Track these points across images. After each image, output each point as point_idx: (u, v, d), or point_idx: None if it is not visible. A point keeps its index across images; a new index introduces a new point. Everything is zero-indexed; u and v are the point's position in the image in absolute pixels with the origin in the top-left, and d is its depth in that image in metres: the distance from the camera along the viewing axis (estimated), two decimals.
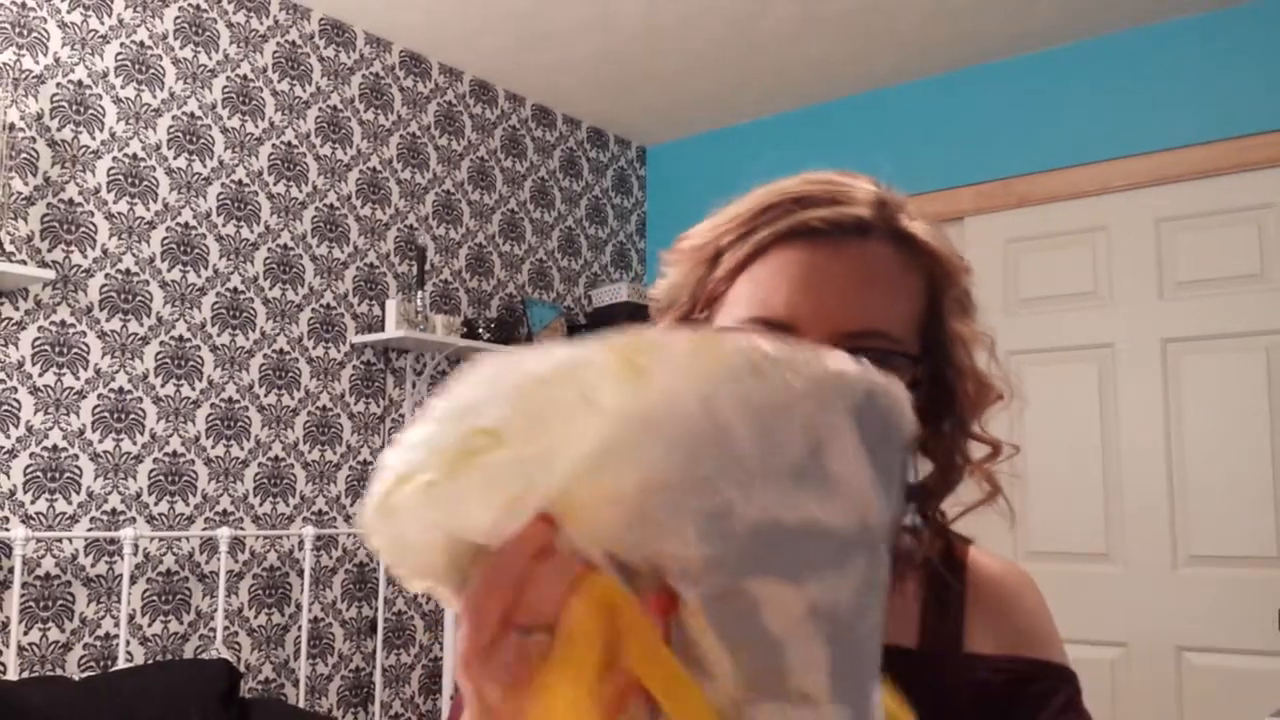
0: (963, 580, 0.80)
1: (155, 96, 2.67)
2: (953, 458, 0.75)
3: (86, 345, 2.50)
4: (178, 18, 2.72)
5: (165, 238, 2.66)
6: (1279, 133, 2.79)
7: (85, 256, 2.51)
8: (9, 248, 2.34)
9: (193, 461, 2.66)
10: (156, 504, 2.59)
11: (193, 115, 2.74)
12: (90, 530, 2.46)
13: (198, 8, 2.76)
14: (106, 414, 2.52)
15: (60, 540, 2.42)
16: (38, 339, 2.42)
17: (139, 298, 2.60)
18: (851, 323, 0.69)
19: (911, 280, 0.72)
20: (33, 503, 2.38)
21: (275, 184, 2.90)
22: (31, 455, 2.39)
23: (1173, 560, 2.85)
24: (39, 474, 2.40)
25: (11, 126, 2.38)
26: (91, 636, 2.45)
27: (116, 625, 2.47)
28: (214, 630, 2.63)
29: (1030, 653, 0.78)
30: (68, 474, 2.45)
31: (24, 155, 2.42)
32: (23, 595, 2.33)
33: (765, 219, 0.71)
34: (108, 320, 2.54)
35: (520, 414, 0.42)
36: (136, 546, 2.52)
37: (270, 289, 2.86)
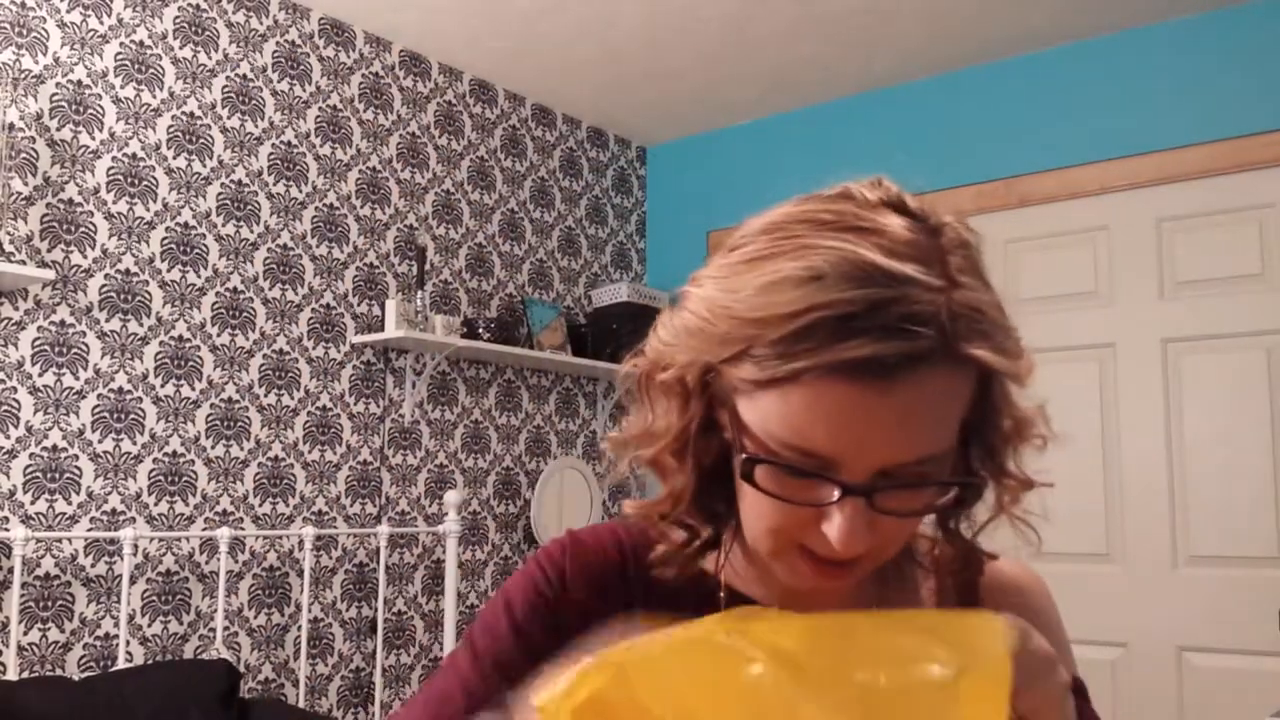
0: (975, 583, 0.81)
1: (155, 96, 2.67)
2: (979, 488, 0.73)
3: (86, 345, 2.50)
4: (177, 17, 2.72)
5: (165, 238, 2.66)
6: (1279, 132, 2.79)
7: (85, 256, 2.51)
8: (8, 248, 2.33)
9: (192, 462, 2.66)
10: (156, 504, 2.59)
11: (192, 115, 2.74)
12: (90, 530, 2.46)
13: (197, 7, 2.76)
14: (106, 414, 2.52)
15: (60, 540, 2.42)
16: (37, 339, 2.42)
17: (138, 298, 2.60)
18: (898, 458, 0.63)
19: (967, 387, 0.65)
20: (32, 503, 2.38)
21: (275, 184, 2.90)
22: (31, 455, 2.39)
23: (1173, 560, 2.85)
24: (39, 474, 2.40)
25: (11, 126, 2.38)
26: (91, 637, 2.44)
27: (116, 625, 2.47)
28: (214, 630, 2.63)
29: None
30: (67, 474, 2.45)
31: (23, 155, 2.42)
32: (22, 595, 2.33)
33: (807, 347, 0.60)
34: (107, 320, 2.54)
35: None
36: (136, 547, 2.52)
37: (270, 289, 2.86)
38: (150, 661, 2.51)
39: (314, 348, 2.95)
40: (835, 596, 0.78)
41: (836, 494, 0.63)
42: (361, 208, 3.10)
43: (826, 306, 0.60)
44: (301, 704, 2.75)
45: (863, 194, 0.67)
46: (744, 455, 0.65)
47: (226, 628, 2.67)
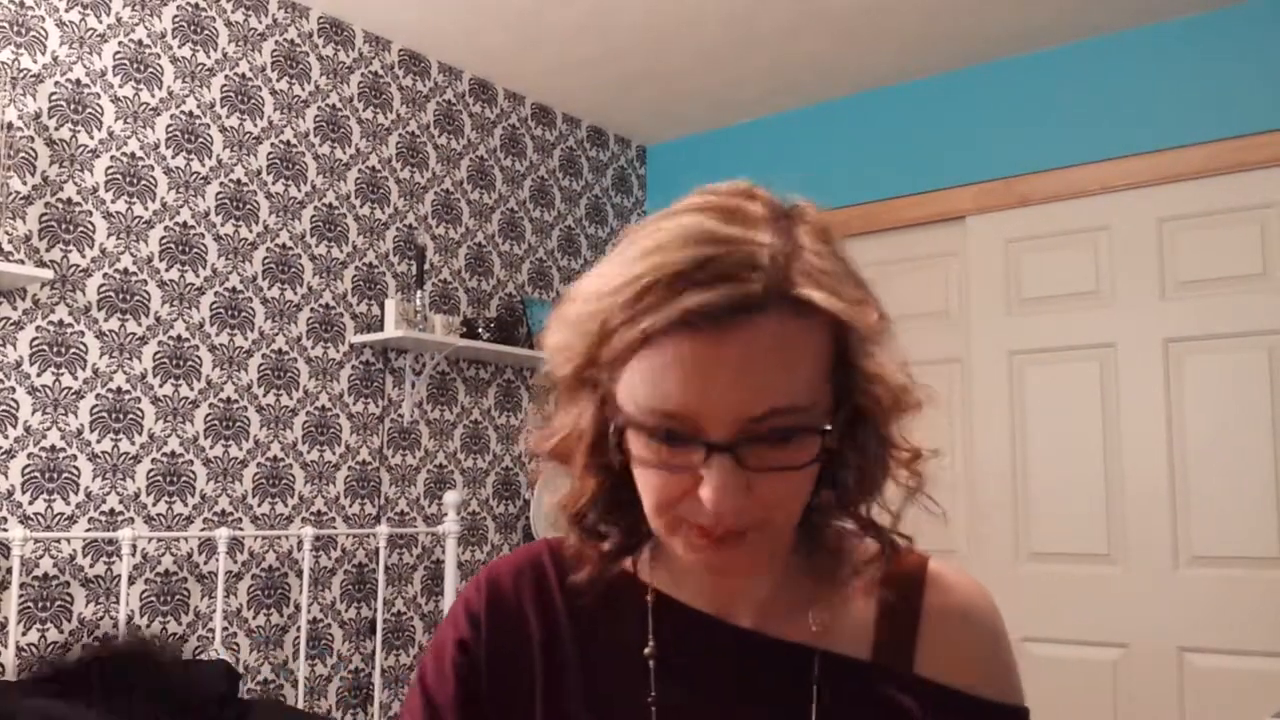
0: (920, 595, 0.79)
1: (154, 95, 2.66)
2: (872, 466, 0.73)
3: (85, 345, 2.49)
4: (176, 16, 2.71)
5: (163, 237, 2.65)
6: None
7: (83, 256, 2.50)
8: (7, 247, 2.33)
9: (191, 462, 2.66)
10: (155, 504, 2.58)
11: (191, 114, 2.73)
12: (89, 531, 2.45)
13: (196, 6, 2.75)
14: (105, 414, 2.51)
15: (59, 541, 2.41)
16: (36, 339, 2.42)
17: (137, 297, 2.59)
18: (752, 407, 0.65)
19: (814, 338, 0.67)
20: (31, 503, 2.38)
21: (274, 183, 2.89)
22: (30, 455, 2.39)
23: (1174, 561, 2.84)
24: (37, 474, 2.39)
25: (10, 126, 2.37)
26: (90, 637, 2.44)
27: (115, 626, 2.47)
28: (212, 631, 2.62)
29: (986, 688, 0.77)
30: (66, 474, 2.44)
31: (22, 154, 2.41)
32: (21, 596, 2.32)
33: (648, 304, 0.64)
34: (106, 320, 2.53)
35: None
36: (135, 547, 2.52)
37: (269, 289, 2.85)
38: None
39: (313, 347, 2.94)
40: (751, 590, 0.77)
41: (703, 453, 0.65)
42: (361, 207, 3.09)
43: (660, 268, 0.65)
44: (300, 705, 2.75)
45: (740, 187, 0.71)
46: (614, 425, 0.68)
47: (225, 628, 2.66)
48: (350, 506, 2.99)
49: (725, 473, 0.65)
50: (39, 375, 2.42)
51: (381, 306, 3.08)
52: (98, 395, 2.50)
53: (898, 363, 0.71)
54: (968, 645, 0.78)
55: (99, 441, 2.50)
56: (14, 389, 2.38)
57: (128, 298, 2.58)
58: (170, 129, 2.69)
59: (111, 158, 2.57)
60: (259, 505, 2.78)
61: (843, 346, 0.69)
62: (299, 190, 2.95)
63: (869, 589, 0.79)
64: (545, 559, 0.83)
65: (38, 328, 2.42)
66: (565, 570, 0.80)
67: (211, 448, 2.70)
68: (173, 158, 2.69)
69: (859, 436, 0.72)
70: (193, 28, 2.75)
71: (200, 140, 2.74)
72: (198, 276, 2.71)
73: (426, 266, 3.23)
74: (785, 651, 0.76)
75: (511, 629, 0.80)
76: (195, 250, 2.71)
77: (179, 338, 2.66)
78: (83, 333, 2.49)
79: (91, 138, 2.54)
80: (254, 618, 2.74)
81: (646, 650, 0.77)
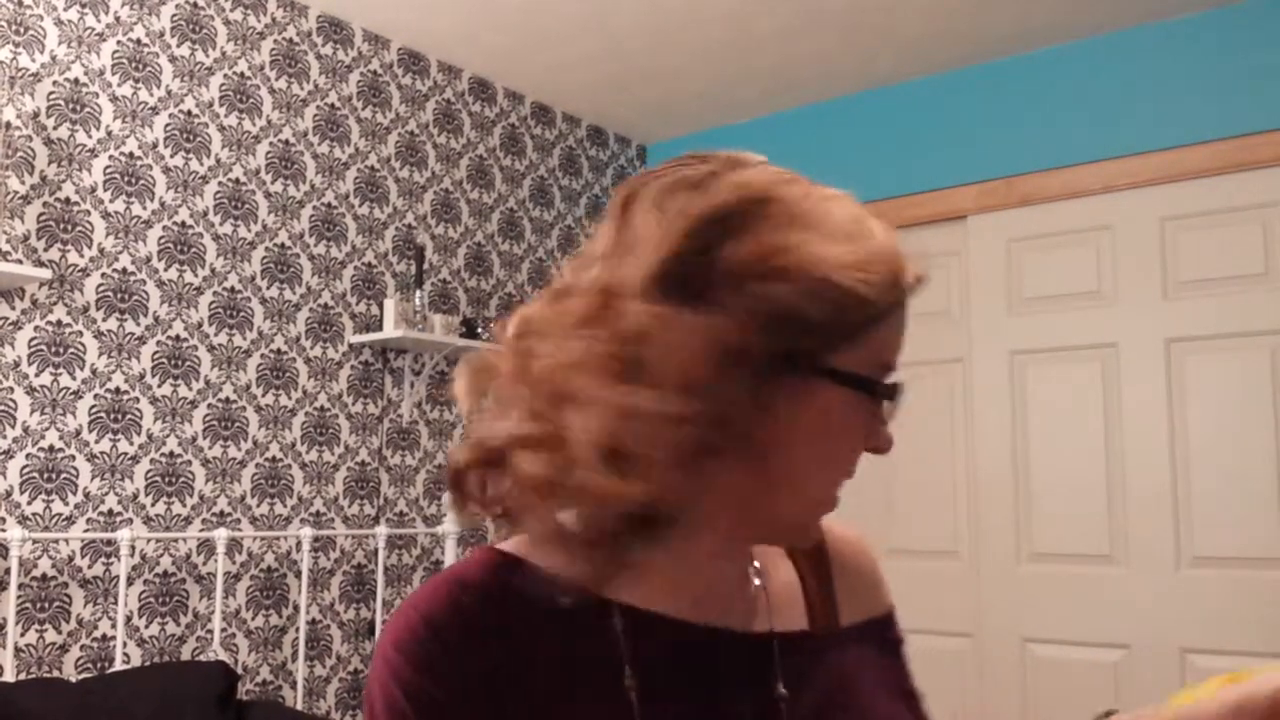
0: (825, 552, 0.84)
1: (152, 94, 2.65)
2: None
3: (83, 345, 2.48)
4: (174, 15, 2.71)
5: (162, 237, 2.64)
6: None
7: (82, 256, 2.49)
8: (5, 247, 2.32)
9: (190, 462, 2.65)
10: (153, 505, 2.57)
11: (189, 113, 2.72)
12: (87, 531, 2.45)
13: (195, 5, 2.75)
14: (103, 414, 2.50)
15: (57, 541, 2.40)
16: (34, 339, 2.41)
17: (135, 297, 2.59)
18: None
19: None
20: (29, 503, 2.37)
21: (273, 182, 2.88)
22: (28, 456, 2.38)
23: (1176, 561, 2.84)
24: (35, 475, 2.39)
25: (8, 125, 2.36)
26: (88, 638, 2.43)
27: (113, 627, 2.46)
28: (211, 632, 2.61)
29: (878, 606, 0.85)
30: (64, 475, 2.43)
31: (20, 154, 2.40)
32: (19, 597, 2.31)
33: (899, 277, 0.77)
34: (104, 320, 2.52)
35: None
36: (133, 547, 2.51)
37: (268, 288, 2.84)
38: (148, 663, 2.50)
39: (312, 347, 2.93)
40: (720, 584, 0.75)
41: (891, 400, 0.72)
42: (360, 207, 3.08)
43: (890, 239, 0.75)
44: (299, 706, 2.74)
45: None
46: (873, 388, 0.71)
47: (224, 629, 2.66)
48: (349, 507, 2.98)
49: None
50: (37, 375, 2.41)
51: (380, 306, 3.07)
52: (96, 395, 2.50)
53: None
54: (865, 577, 0.85)
55: (97, 442, 2.49)
56: (12, 389, 2.37)
57: (126, 297, 2.57)
58: (169, 128, 2.68)
59: (110, 157, 2.56)
60: (258, 506, 2.77)
61: None
62: (298, 190, 2.94)
63: (783, 555, 0.82)
64: (501, 572, 0.72)
65: (36, 328, 2.41)
66: (518, 585, 0.70)
67: (210, 448, 2.69)
68: (171, 157, 2.68)
69: None
70: (191, 26, 2.74)
71: (199, 139, 2.74)
72: (196, 276, 2.70)
73: (426, 266, 3.22)
74: (752, 643, 0.74)
75: (483, 651, 0.68)
76: (194, 250, 2.70)
77: (177, 338, 2.65)
78: (81, 333, 2.48)
79: (90, 137, 2.53)
80: (253, 619, 2.74)
81: (626, 682, 0.70)
